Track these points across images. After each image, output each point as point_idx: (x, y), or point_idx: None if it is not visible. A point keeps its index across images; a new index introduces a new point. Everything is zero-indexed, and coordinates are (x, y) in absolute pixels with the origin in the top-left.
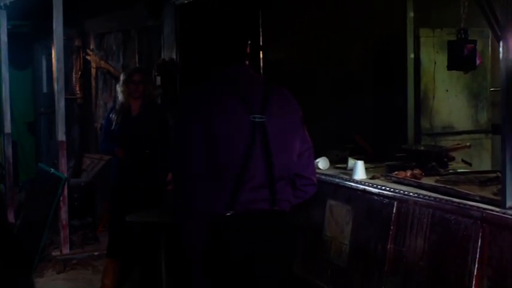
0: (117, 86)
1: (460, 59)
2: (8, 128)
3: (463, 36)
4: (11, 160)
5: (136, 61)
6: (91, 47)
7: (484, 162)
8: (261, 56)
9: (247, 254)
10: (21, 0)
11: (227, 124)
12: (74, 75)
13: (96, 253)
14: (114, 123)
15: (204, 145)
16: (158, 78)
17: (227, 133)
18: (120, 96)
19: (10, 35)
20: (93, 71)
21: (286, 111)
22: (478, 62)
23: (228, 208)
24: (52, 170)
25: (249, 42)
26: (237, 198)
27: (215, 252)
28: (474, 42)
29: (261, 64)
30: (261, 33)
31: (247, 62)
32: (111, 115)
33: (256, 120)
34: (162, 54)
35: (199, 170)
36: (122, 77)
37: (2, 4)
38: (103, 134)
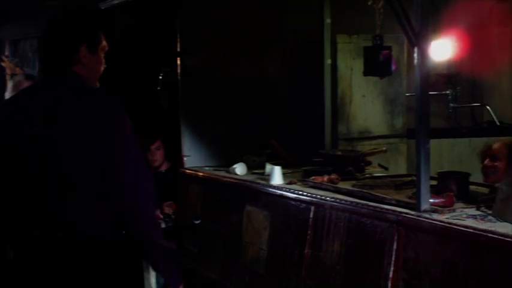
0: (6, 94)
1: (376, 64)
2: None
3: (378, 42)
4: None
5: None
6: (6, 53)
7: (400, 166)
8: (179, 62)
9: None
10: None
11: (9, 138)
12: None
13: None
14: None
15: None
16: None
17: (8, 148)
18: None
19: None
20: (8, 78)
21: (82, 124)
22: (393, 67)
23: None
24: None
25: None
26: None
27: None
28: (389, 48)
29: (179, 71)
30: (178, 40)
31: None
32: None
33: (37, 134)
34: None
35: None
36: (10, 84)
37: None
38: None
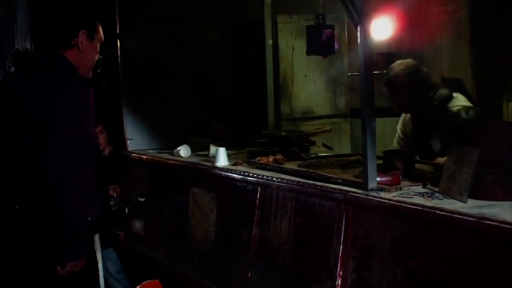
0: None
1: (319, 44)
2: None
3: (321, 21)
4: None
5: None
6: None
7: (344, 146)
8: (118, 44)
9: None
10: None
11: None
12: None
13: None
14: None
15: None
16: (12, 69)
17: None
18: None
19: None
20: None
21: (28, 104)
22: (336, 46)
23: None
24: None
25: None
26: None
27: None
28: (332, 27)
29: (119, 52)
30: (117, 21)
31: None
32: None
33: None
34: (15, 45)
35: None
36: None
37: None
38: None
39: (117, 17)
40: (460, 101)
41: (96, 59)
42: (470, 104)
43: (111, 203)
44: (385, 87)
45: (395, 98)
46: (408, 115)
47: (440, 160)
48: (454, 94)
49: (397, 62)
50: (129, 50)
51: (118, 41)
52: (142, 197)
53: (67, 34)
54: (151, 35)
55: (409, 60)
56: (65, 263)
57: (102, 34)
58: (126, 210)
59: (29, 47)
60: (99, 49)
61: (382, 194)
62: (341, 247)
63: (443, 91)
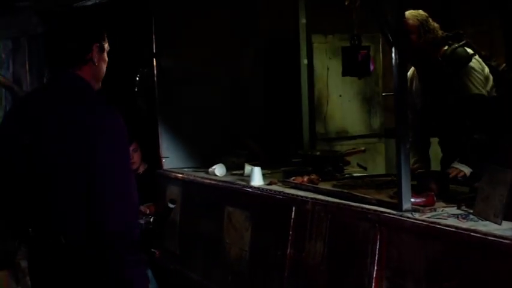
0: None
1: (354, 65)
2: None
3: (356, 42)
4: None
5: (27, 70)
6: None
7: (378, 166)
8: (155, 63)
9: None
10: None
11: (3, 146)
12: None
13: None
14: None
15: None
16: None
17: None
18: None
19: None
20: None
21: (68, 133)
22: (371, 67)
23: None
24: None
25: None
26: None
27: None
28: (367, 48)
29: (155, 71)
30: (154, 40)
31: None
32: None
33: (26, 142)
34: None
35: None
36: None
37: None
38: None
39: (153, 36)
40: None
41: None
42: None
43: (144, 221)
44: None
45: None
46: (412, 70)
47: None
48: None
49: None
50: (165, 69)
51: (154, 59)
52: (172, 203)
53: (83, 50)
54: (187, 53)
55: (420, 11)
56: None
57: (107, 43)
58: (151, 219)
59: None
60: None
61: (417, 215)
62: (375, 268)
63: (462, 50)
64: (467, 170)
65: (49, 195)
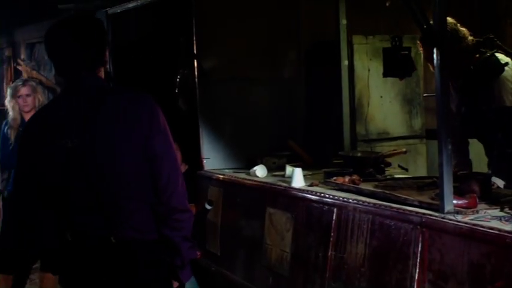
0: (6, 101)
1: (395, 66)
2: None
3: (397, 43)
4: None
5: None
6: (22, 56)
7: (419, 167)
8: (195, 64)
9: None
10: None
11: (37, 153)
12: (5, 85)
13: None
14: (10, 140)
15: (27, 174)
16: None
17: (41, 161)
18: (11, 112)
19: None
20: None
21: (112, 126)
22: (413, 68)
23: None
24: None
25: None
26: (70, 222)
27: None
28: (408, 49)
29: (196, 72)
30: (194, 42)
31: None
32: (5, 130)
33: (68, 145)
34: None
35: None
36: (8, 91)
37: None
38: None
39: (194, 38)
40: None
41: None
42: None
43: None
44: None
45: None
46: None
47: None
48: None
49: None
50: (206, 70)
51: (195, 60)
52: (210, 205)
53: (103, 53)
54: (227, 54)
55: (448, 18)
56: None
57: None
58: None
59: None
60: None
61: (459, 217)
62: (417, 270)
63: (494, 60)
64: (500, 183)
65: (100, 196)
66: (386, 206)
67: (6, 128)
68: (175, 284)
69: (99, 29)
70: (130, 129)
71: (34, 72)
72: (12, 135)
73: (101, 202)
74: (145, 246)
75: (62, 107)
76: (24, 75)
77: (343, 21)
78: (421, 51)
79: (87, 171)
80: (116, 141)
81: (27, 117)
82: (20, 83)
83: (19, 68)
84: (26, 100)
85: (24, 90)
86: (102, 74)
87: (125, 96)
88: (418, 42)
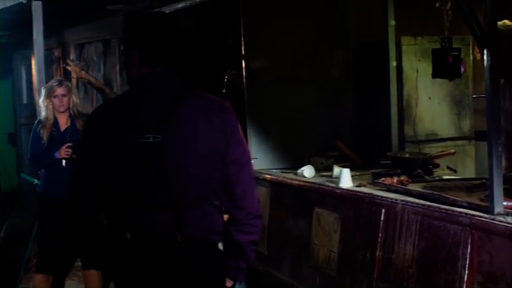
0: (39, 101)
1: (445, 67)
2: None
3: (446, 44)
4: None
5: (117, 71)
6: (71, 57)
7: (468, 169)
8: (243, 64)
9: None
10: (0, 11)
11: (112, 147)
12: None
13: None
14: (43, 140)
15: (95, 167)
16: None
17: (112, 156)
18: (43, 112)
19: None
20: (74, 81)
21: (196, 127)
22: (462, 70)
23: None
24: (35, 180)
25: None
26: (133, 220)
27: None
28: (458, 50)
29: (243, 73)
30: (242, 42)
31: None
32: (38, 130)
33: (149, 140)
34: None
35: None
36: (43, 91)
37: None
38: (32, 149)
39: (242, 38)
40: None
41: None
42: None
43: None
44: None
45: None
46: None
47: None
48: None
49: None
50: (254, 70)
51: (243, 61)
52: None
53: (175, 50)
54: (275, 55)
55: (506, 21)
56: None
57: None
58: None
59: None
60: None
61: (509, 219)
62: (466, 272)
63: None
64: None
65: (172, 194)
66: (435, 207)
67: (39, 127)
68: (229, 282)
69: (173, 26)
70: (212, 132)
71: (83, 72)
72: (45, 135)
73: (173, 201)
74: (210, 246)
75: (140, 103)
76: (73, 76)
77: (392, 22)
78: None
79: (164, 169)
80: (196, 142)
81: (60, 117)
82: (56, 83)
83: (68, 68)
84: (62, 100)
85: (60, 91)
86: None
87: (209, 99)
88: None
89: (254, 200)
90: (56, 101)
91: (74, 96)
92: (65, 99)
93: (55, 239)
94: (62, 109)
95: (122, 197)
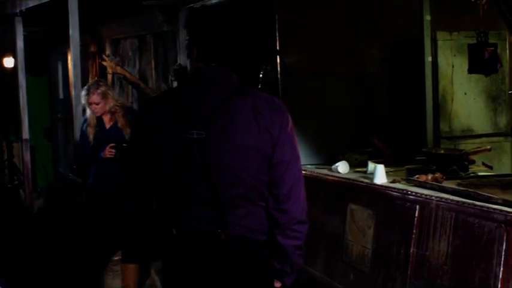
0: (82, 99)
1: (481, 63)
2: (25, 133)
3: (483, 39)
4: (29, 166)
5: (152, 66)
6: (107, 52)
7: (504, 165)
8: (278, 60)
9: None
10: (37, 7)
11: (162, 140)
12: (90, 81)
13: (115, 258)
14: (89, 138)
15: (146, 160)
16: (174, 83)
17: (162, 150)
18: (87, 112)
19: (26, 41)
20: (109, 76)
21: (241, 126)
22: (499, 65)
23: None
24: (71, 175)
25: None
26: (180, 216)
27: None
28: (495, 45)
29: (278, 68)
30: (277, 37)
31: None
32: (85, 128)
33: (193, 136)
34: (178, 60)
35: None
36: (83, 92)
37: (18, 11)
38: (80, 149)
39: (277, 34)
40: None
41: None
42: None
43: None
44: None
45: None
46: None
47: None
48: None
49: None
50: (289, 66)
51: (278, 56)
52: None
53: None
54: (311, 51)
55: None
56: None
57: None
58: None
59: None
60: None
61: None
62: (501, 269)
63: None
64: None
65: (217, 193)
66: (469, 204)
67: (85, 125)
68: (278, 283)
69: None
70: (258, 132)
71: (118, 67)
72: (91, 133)
73: (215, 199)
74: (255, 245)
75: (191, 97)
76: (109, 71)
77: (427, 17)
78: None
79: (206, 167)
80: (239, 142)
81: (105, 117)
82: (90, 91)
83: (104, 63)
84: (95, 108)
85: (93, 99)
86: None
87: (260, 98)
88: None
89: (299, 204)
90: (92, 108)
91: (110, 99)
92: (98, 107)
93: (101, 231)
94: (97, 115)
95: (170, 192)
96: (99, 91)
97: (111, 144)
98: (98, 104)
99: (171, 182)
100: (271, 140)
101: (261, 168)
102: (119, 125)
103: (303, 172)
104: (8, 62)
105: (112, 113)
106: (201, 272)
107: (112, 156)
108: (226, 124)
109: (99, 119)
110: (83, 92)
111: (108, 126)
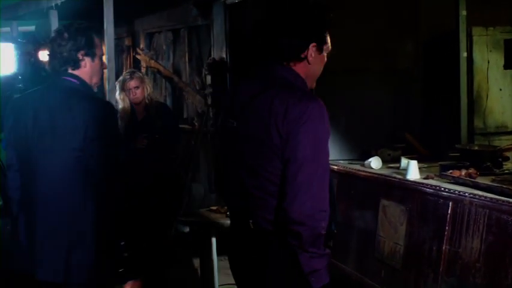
0: (116, 95)
1: None
2: None
3: None
4: None
5: (186, 60)
6: (141, 46)
7: None
8: None
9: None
10: (72, 0)
11: (222, 130)
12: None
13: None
14: (120, 131)
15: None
16: (208, 77)
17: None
18: (120, 105)
19: None
20: (143, 70)
21: (259, 119)
22: None
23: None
24: None
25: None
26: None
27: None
28: None
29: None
30: None
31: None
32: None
33: (232, 125)
34: (212, 53)
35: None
36: (117, 86)
37: (53, 4)
38: None
39: None
40: None
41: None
42: None
43: None
44: None
45: None
46: None
47: None
48: None
49: None
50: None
51: None
52: None
53: (300, 48)
54: (344, 45)
55: None
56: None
57: (329, 44)
58: None
59: (224, 56)
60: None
61: None
62: None
63: None
64: None
65: (247, 180)
66: (503, 201)
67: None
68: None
69: (305, 22)
70: (269, 125)
71: (152, 61)
72: (123, 126)
73: (243, 189)
74: (278, 239)
75: (242, 90)
76: (143, 65)
77: (463, 12)
78: None
79: (236, 156)
80: (254, 134)
81: (137, 108)
82: (128, 76)
83: (138, 57)
84: (135, 93)
85: (132, 84)
86: (300, 68)
87: (284, 92)
88: None
89: (300, 205)
90: (129, 94)
91: (147, 86)
92: (138, 91)
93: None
94: (137, 101)
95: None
96: (137, 75)
97: (144, 135)
98: (137, 87)
99: (223, 171)
100: (278, 134)
101: (274, 163)
102: (152, 116)
103: (336, 167)
104: (44, 55)
105: (145, 104)
106: (239, 262)
107: (143, 146)
108: (248, 116)
109: (132, 110)
110: (118, 85)
111: (140, 117)
